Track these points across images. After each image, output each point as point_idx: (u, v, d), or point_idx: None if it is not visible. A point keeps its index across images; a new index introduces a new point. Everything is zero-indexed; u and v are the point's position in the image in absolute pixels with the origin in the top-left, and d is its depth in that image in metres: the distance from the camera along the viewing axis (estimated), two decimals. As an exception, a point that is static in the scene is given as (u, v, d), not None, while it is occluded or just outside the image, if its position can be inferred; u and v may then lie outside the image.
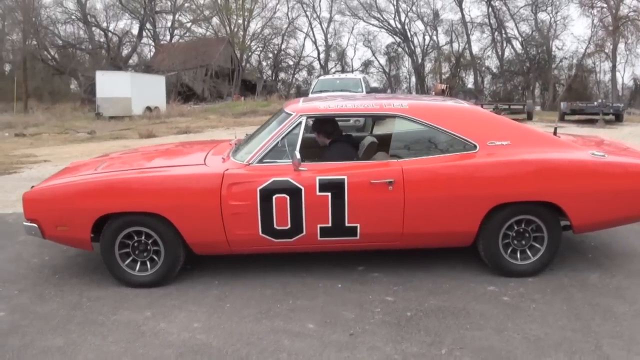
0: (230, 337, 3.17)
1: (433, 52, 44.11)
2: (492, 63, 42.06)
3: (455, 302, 3.52)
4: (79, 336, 3.23)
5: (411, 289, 3.75)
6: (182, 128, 17.24)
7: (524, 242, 3.87)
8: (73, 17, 33.02)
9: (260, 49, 43.79)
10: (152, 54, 38.41)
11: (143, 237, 3.85)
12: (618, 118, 17.13)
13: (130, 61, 37.68)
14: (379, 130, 5.10)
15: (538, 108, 28.16)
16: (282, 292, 3.75)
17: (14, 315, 3.53)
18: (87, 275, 4.15)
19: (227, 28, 39.99)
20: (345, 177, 3.67)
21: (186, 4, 36.68)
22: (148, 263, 3.89)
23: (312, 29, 44.89)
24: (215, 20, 39.06)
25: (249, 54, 43.01)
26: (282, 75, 46.18)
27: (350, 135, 4.55)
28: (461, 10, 41.05)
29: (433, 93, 30.35)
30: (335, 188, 3.67)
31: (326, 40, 44.96)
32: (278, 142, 3.83)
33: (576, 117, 18.13)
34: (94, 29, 34.05)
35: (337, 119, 4.42)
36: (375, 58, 47.03)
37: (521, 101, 18.09)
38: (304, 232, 3.75)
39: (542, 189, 3.69)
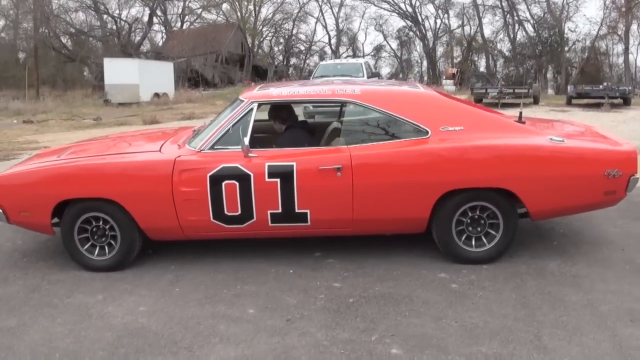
0: (170, 321, 3.20)
1: (445, 36, 43.57)
2: (504, 46, 41.52)
3: (401, 289, 3.51)
4: (30, 318, 3.30)
5: (361, 275, 3.74)
6: (186, 114, 17.33)
7: (479, 229, 3.83)
8: (84, 4, 33.16)
9: (272, 34, 43.67)
10: (163, 40, 38.53)
11: (101, 223, 3.90)
12: (626, 102, 16.76)
13: (142, 48, 37.87)
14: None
15: (551, 92, 27.73)
16: (234, 277, 3.78)
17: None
18: (53, 259, 4.22)
19: (238, 14, 39.92)
20: (294, 164, 3.67)
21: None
22: (106, 248, 3.94)
23: (322, 13, 44.59)
24: (225, 6, 39.02)
25: (261, 39, 42.93)
26: (293, 60, 46.05)
27: (306, 121, 4.53)
28: None
29: (444, 77, 30.00)
30: (284, 174, 3.66)
31: (337, 24, 44.70)
32: (229, 129, 3.83)
33: (585, 100, 17.80)
34: (105, 16, 34.21)
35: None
36: (387, 42, 46.69)
37: (527, 85, 17.75)
38: (255, 218, 3.76)
39: (494, 176, 3.65)
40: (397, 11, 43.34)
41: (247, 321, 3.17)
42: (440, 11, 42.83)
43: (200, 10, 37.94)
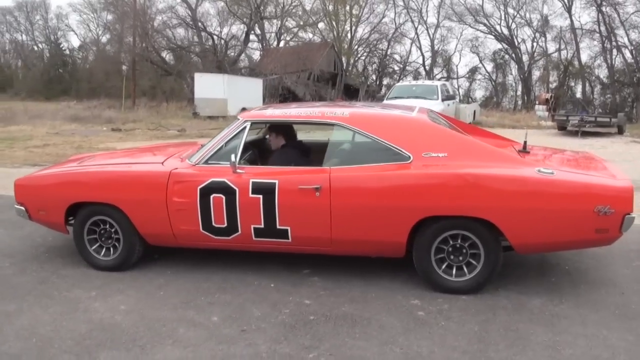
0: (140, 321, 3.45)
1: (541, 60, 41.79)
2: (602, 72, 39.11)
3: (366, 311, 3.53)
4: (28, 305, 3.69)
5: (336, 294, 3.80)
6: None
7: (460, 258, 3.77)
8: (184, 21, 35.42)
9: (366, 54, 44.11)
10: (259, 57, 40.14)
11: (107, 226, 4.26)
12: None
13: (240, 64, 39.67)
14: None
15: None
16: (217, 287, 3.97)
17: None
18: (70, 256, 4.62)
19: (334, 33, 40.78)
20: (277, 181, 3.82)
21: (293, 10, 37.90)
22: (111, 249, 4.29)
23: (417, 35, 44.40)
24: (321, 25, 40.04)
25: (355, 59, 43.49)
26: (386, 80, 46.13)
27: (301, 141, 4.65)
28: (570, 16, 38.55)
29: (537, 102, 28.78)
30: (266, 191, 3.82)
31: (432, 46, 44.28)
32: (223, 145, 4.06)
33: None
34: (203, 33, 36.31)
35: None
36: (482, 65, 45.57)
37: (611, 114, 16.61)
38: (240, 232, 3.95)
39: (473, 205, 3.58)
40: (493, 33, 42.32)
41: (206, 328, 3.34)
42: (537, 34, 41.31)
43: (297, 29, 39.18)
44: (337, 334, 3.23)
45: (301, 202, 3.78)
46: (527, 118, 21.09)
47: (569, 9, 38.44)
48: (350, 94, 39.02)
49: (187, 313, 3.55)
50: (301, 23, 38.48)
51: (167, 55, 37.62)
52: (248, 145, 4.53)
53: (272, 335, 3.23)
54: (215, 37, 37.19)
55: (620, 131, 15.82)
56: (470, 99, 17.15)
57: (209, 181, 3.93)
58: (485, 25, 42.22)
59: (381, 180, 3.70)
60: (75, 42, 52.27)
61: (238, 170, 3.91)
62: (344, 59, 41.05)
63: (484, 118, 20.02)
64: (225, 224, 3.95)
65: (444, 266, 3.78)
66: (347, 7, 41.28)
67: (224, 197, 3.90)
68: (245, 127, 4.07)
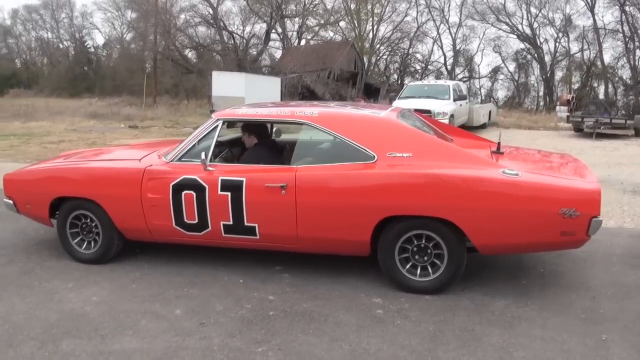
0: (108, 311, 3.56)
1: (564, 60, 41.06)
2: (625, 73, 38.22)
3: (326, 309, 3.58)
4: (8, 295, 3.84)
5: (301, 291, 3.86)
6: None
7: (425, 258, 3.79)
8: (205, 20, 35.76)
9: (388, 53, 43.93)
10: (280, 56, 40.31)
11: (88, 220, 4.39)
12: None
13: (262, 62, 39.92)
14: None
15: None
16: (188, 281, 4.07)
17: (-25, 274, 4.24)
18: (57, 249, 4.72)
19: (355, 32, 40.72)
20: (244, 179, 3.89)
21: (314, 8, 37.96)
22: (92, 243, 4.42)
23: (439, 34, 44.05)
24: (342, 24, 40.03)
25: (377, 58, 43.35)
26: (407, 80, 45.89)
27: (274, 140, 4.71)
28: (593, 15, 37.76)
29: (558, 103, 28.34)
30: (234, 188, 3.90)
31: (454, 45, 43.87)
32: (196, 143, 4.15)
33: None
34: (224, 32, 36.64)
35: None
36: (505, 64, 44.97)
37: (632, 115, 16.19)
38: (210, 228, 4.03)
39: (434, 205, 3.60)
40: (515, 32, 41.72)
41: (168, 320, 3.44)
42: (559, 34, 40.60)
43: (318, 28, 39.24)
44: (292, 330, 3.29)
45: (268, 200, 3.85)
46: (545, 119, 20.77)
47: (591, 8, 37.75)
48: (371, 93, 38.93)
49: (153, 306, 3.65)
50: (322, 22, 38.50)
51: (189, 54, 38.06)
52: (225, 144, 4.63)
53: (228, 329, 3.30)
54: (236, 35, 37.51)
55: (638, 133, 15.50)
56: (492, 99, 16.99)
57: (180, 178, 4.03)
58: (507, 24, 41.73)
59: (344, 180, 3.74)
60: (100, 40, 53.27)
61: (209, 168, 4.00)
62: (365, 58, 40.93)
63: (501, 119, 19.79)
64: (196, 220, 4.04)
65: (408, 266, 3.81)
66: (369, 6, 41.16)
67: (194, 194, 3.99)
68: (217, 126, 4.16)
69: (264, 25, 38.25)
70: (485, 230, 3.60)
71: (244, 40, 37.93)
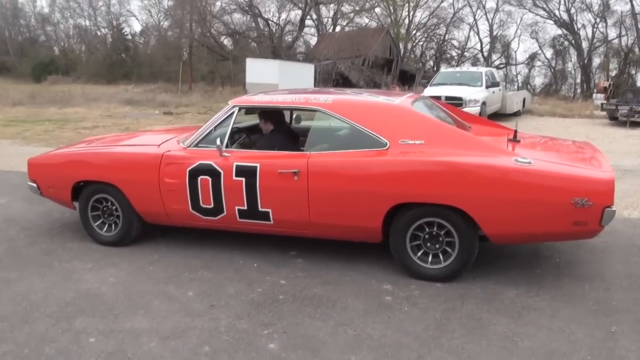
0: (123, 292, 3.67)
1: (601, 46, 39.66)
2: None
3: (336, 294, 3.61)
4: (29, 274, 4.00)
5: (313, 276, 3.89)
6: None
7: (437, 246, 3.78)
8: (240, 7, 35.93)
9: (424, 39, 43.35)
10: (315, 43, 40.26)
11: (109, 203, 4.52)
12: None
13: (298, 49, 39.96)
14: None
15: None
16: (203, 264, 4.15)
17: (6, 253, 4.42)
18: (79, 231, 4.86)
19: (392, 18, 40.30)
20: (258, 165, 3.94)
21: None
22: (113, 226, 4.55)
23: (475, 20, 43.14)
24: (377, 10, 39.67)
25: (414, 44, 42.83)
26: (444, 66, 45.24)
27: (290, 126, 4.73)
28: (630, 0, 36.27)
29: (595, 91, 27.49)
30: (248, 174, 3.95)
31: (491, 31, 42.91)
32: (212, 129, 4.21)
33: None
34: (259, 18, 36.77)
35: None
36: (542, 51, 43.76)
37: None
38: (225, 212, 4.10)
39: (445, 193, 3.57)
40: (552, 18, 40.51)
41: (179, 301, 3.53)
42: (597, 19, 39.23)
43: (353, 14, 39.00)
44: (299, 314, 3.33)
45: (281, 186, 3.89)
46: (581, 107, 20.17)
47: (629, -8, 36.38)
48: (406, 80, 38.51)
49: (167, 287, 3.75)
50: (357, 8, 38.22)
51: (225, 41, 38.36)
52: (244, 130, 4.69)
53: (237, 311, 3.37)
54: (271, 22, 37.60)
55: (673, 121, 14.91)
56: (528, 87, 16.41)
57: (197, 163, 4.10)
58: (544, 9, 40.55)
59: (356, 166, 3.75)
60: (137, 27, 54.02)
61: (224, 154, 4.06)
62: (400, 45, 40.51)
63: (536, 106, 19.32)
64: (212, 205, 4.11)
65: (420, 253, 3.80)
66: (406, -9, 40.68)
67: (210, 179, 4.06)
68: (233, 112, 4.21)
69: (299, 12, 38.26)
70: (496, 219, 3.56)
71: (279, 27, 37.98)
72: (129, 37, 51.67)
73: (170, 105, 19.87)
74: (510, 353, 2.91)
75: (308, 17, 38.33)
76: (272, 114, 4.45)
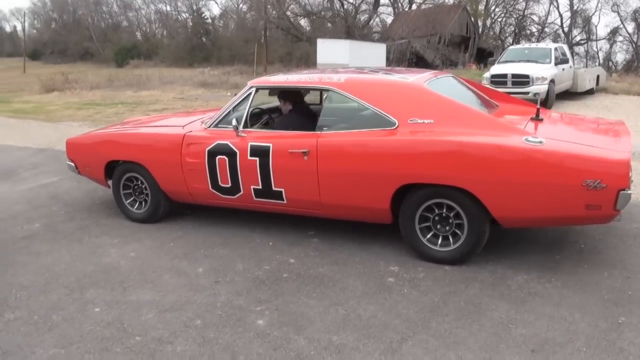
0: (139, 266, 3.87)
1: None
2: None
3: (339, 274, 3.61)
4: (60, 247, 4.29)
5: (323, 256, 3.91)
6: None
7: (447, 228, 3.68)
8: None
9: (503, 15, 41.42)
10: (390, 21, 39.64)
11: (139, 182, 4.75)
12: None
13: (374, 29, 39.52)
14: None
15: None
16: (222, 241, 4.28)
17: (44, 227, 4.77)
18: (116, 208, 5.10)
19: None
20: (271, 145, 3.99)
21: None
22: (143, 203, 4.79)
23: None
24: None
25: (493, 20, 41.07)
26: (523, 43, 43.11)
27: (308, 106, 4.71)
28: None
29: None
30: (262, 154, 4.01)
31: (571, 4, 40.20)
32: (231, 110, 4.30)
33: None
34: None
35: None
36: (623, 25, 40.46)
37: None
38: (242, 192, 4.20)
39: (452, 174, 3.46)
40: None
41: (188, 276, 3.67)
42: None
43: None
44: (297, 292, 3.37)
45: (292, 166, 3.92)
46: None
47: None
48: (484, 57, 37.12)
49: (181, 263, 3.90)
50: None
51: (303, 22, 38.59)
52: (267, 111, 4.75)
53: (238, 288, 3.46)
54: (345, 2, 37.34)
55: None
56: (610, 63, 14.98)
57: (215, 143, 4.21)
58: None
59: (363, 146, 3.71)
60: (216, 10, 55.25)
61: (241, 134, 4.14)
62: (479, 22, 38.99)
63: (612, 84, 17.98)
64: (230, 184, 4.21)
65: (429, 235, 3.72)
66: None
67: (227, 159, 4.16)
68: (250, 93, 4.27)
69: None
70: (504, 201, 3.41)
71: (354, 7, 37.67)
72: (209, 20, 53.10)
73: (242, 86, 20.24)
74: (499, 339, 2.80)
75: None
76: (290, 94, 4.47)
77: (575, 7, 40.15)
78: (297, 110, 4.40)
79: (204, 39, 49.57)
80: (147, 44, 51.25)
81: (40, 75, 22.50)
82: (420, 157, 3.53)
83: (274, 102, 4.90)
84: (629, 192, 3.20)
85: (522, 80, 12.31)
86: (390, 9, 40.50)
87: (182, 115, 5.86)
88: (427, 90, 3.80)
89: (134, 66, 42.36)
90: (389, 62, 31.02)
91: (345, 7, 37.17)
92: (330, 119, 4.04)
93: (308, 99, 5.00)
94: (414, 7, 39.58)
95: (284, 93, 4.48)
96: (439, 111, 3.65)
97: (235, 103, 4.30)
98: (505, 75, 12.62)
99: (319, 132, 3.90)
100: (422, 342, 2.79)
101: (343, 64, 24.49)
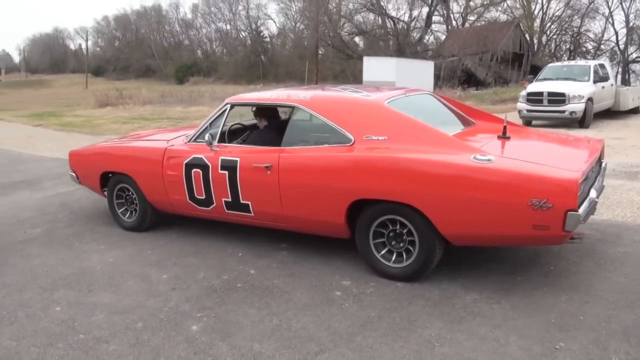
0: (112, 271, 4.08)
1: None
2: None
3: (291, 286, 3.69)
4: (50, 251, 4.59)
5: (284, 268, 4.00)
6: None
7: (401, 245, 3.70)
8: (366, 7, 36.19)
9: (558, 32, 40.25)
10: (443, 39, 39.36)
11: (130, 192, 5.01)
12: None
13: (426, 47, 39.36)
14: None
15: None
16: (195, 251, 4.45)
17: (44, 233, 5.11)
18: (112, 217, 5.41)
19: (525, 10, 38.09)
20: (238, 159, 4.14)
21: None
22: (133, 212, 5.04)
23: (610, 10, 38.91)
24: (508, 1, 37.70)
25: (548, 37, 40.02)
26: (579, 60, 41.62)
27: (282, 122, 4.81)
28: None
29: None
30: (230, 168, 4.17)
31: (627, 22, 38.44)
32: (208, 125, 4.49)
33: None
34: (385, 17, 36.77)
35: None
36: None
37: None
38: (215, 204, 4.36)
39: (399, 190, 3.49)
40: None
41: (150, 282, 3.85)
42: None
43: (482, 9, 37.49)
44: (242, 302, 3.48)
45: (256, 180, 4.05)
46: None
47: None
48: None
49: (149, 270, 4.09)
50: (486, 2, 36.63)
51: (354, 39, 38.95)
52: (248, 127, 4.92)
53: (190, 295, 3.61)
54: (397, 20, 37.45)
55: None
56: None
57: (191, 157, 4.41)
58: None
59: (319, 161, 3.79)
60: (274, 29, 56.72)
61: (214, 148, 4.32)
62: (534, 38, 38.09)
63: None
64: (204, 196, 4.39)
65: (384, 251, 3.75)
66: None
67: (201, 172, 4.34)
68: (225, 109, 4.45)
69: (426, 9, 37.67)
70: (451, 219, 3.41)
71: (405, 25, 37.72)
72: (267, 39, 54.54)
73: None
74: (419, 357, 2.80)
75: (436, 13, 37.56)
76: (264, 111, 4.62)
77: (631, 24, 38.46)
78: (271, 126, 4.54)
79: (262, 57, 50.91)
80: (206, 62, 53.17)
81: (96, 91, 23.77)
82: (370, 173, 3.58)
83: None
84: (578, 213, 3.12)
85: (558, 98, 11.97)
86: (440, 27, 40.28)
87: (179, 130, 6.10)
88: (384, 108, 3.86)
89: (194, 83, 43.95)
90: (440, 79, 30.79)
91: (396, 25, 37.21)
92: (295, 135, 4.15)
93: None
94: (467, 25, 39.17)
95: (259, 110, 4.64)
96: (393, 128, 3.69)
97: (212, 119, 4.49)
98: (541, 94, 12.32)
99: (282, 148, 4.02)
100: (339, 356, 2.83)
101: (389, 82, 24.51)
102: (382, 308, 3.34)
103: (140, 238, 4.85)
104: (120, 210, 5.10)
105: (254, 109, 4.70)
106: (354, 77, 36.60)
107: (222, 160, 4.22)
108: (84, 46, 68.26)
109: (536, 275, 3.81)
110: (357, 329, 3.10)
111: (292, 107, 4.17)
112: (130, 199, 5.01)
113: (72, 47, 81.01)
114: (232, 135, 4.67)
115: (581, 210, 3.20)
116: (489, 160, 3.33)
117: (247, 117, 5.12)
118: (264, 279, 3.83)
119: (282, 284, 3.75)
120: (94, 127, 14.49)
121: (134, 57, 58.08)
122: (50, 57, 78.59)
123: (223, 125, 4.44)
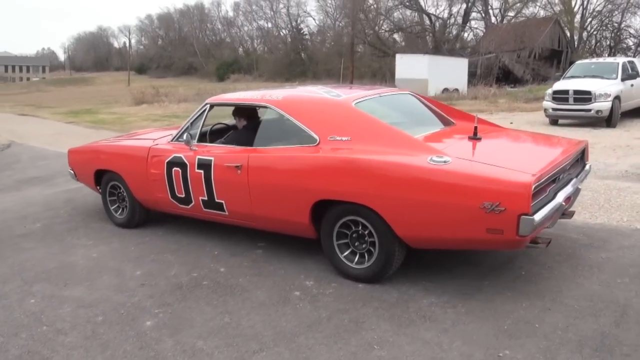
0: (92, 266, 4.24)
1: None
2: None
3: (254, 285, 3.75)
4: (42, 245, 4.80)
5: (254, 267, 4.07)
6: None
7: (363, 246, 3.71)
8: (403, 4, 35.86)
9: (598, 28, 38.87)
10: (481, 36, 38.64)
11: (121, 190, 5.18)
12: None
13: (464, 43, 38.76)
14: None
15: None
16: (176, 248, 4.57)
17: (42, 227, 5.34)
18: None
19: (564, 6, 36.99)
20: (212, 159, 4.23)
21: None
22: (123, 209, 5.21)
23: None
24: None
25: (588, 33, 38.72)
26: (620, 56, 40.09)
27: (260, 122, 4.85)
28: None
29: None
30: (206, 167, 4.26)
31: (672, 15, 36.87)
32: (189, 125, 4.59)
33: None
34: (423, 14, 36.36)
35: None
36: None
37: None
38: (193, 202, 4.47)
39: (357, 191, 3.50)
40: None
41: (123, 278, 3.98)
42: None
43: (521, 5, 36.60)
44: (202, 299, 3.56)
45: (228, 179, 4.13)
46: None
47: None
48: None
49: (126, 266, 4.23)
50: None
51: (393, 36, 38.69)
52: (231, 127, 5.01)
53: (156, 291, 3.71)
54: (434, 17, 36.99)
55: None
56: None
57: (172, 156, 4.53)
58: None
59: (285, 161, 3.84)
60: (314, 26, 56.92)
61: (193, 148, 4.42)
62: (575, 34, 36.91)
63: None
64: (184, 195, 4.50)
65: (347, 252, 3.76)
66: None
67: (180, 171, 4.45)
68: (205, 109, 4.55)
69: (464, 6, 37.06)
70: (406, 221, 3.39)
71: (443, 22, 37.22)
72: (307, 36, 54.74)
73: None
74: (353, 359, 2.82)
75: (474, 10, 36.88)
76: (242, 111, 4.70)
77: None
78: (249, 126, 4.60)
79: (302, 55, 51.11)
80: (247, 59, 53.86)
81: (133, 89, 24.43)
82: (330, 174, 3.61)
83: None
84: (533, 217, 3.05)
85: (583, 96, 11.61)
86: (478, 23, 39.53)
87: (169, 129, 6.23)
88: (350, 109, 3.87)
89: (234, 80, 44.52)
90: (477, 77, 30.23)
91: (434, 22, 36.73)
92: (266, 135, 4.20)
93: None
94: (505, 21, 38.33)
95: (237, 110, 4.71)
96: (356, 129, 3.70)
97: (193, 119, 4.59)
98: (567, 92, 11.96)
99: (254, 148, 4.08)
100: (275, 355, 2.87)
101: (421, 79, 24.29)
102: (334, 309, 3.36)
103: (129, 234, 5.00)
104: (113, 207, 5.27)
105: (233, 109, 4.77)
106: (391, 75, 36.36)
107: (198, 159, 4.32)
108: (127, 44, 70.39)
109: (504, 280, 3.75)
110: (303, 329, 3.13)
111: (266, 108, 4.22)
112: (122, 196, 5.17)
113: (116, 45, 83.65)
114: (215, 135, 4.76)
115: (539, 215, 3.13)
116: (444, 162, 3.30)
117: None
118: (231, 277, 3.91)
119: (247, 282, 3.82)
120: (124, 124, 14.93)
121: (177, 55, 59.43)
122: (94, 55, 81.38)
123: (203, 125, 4.53)
